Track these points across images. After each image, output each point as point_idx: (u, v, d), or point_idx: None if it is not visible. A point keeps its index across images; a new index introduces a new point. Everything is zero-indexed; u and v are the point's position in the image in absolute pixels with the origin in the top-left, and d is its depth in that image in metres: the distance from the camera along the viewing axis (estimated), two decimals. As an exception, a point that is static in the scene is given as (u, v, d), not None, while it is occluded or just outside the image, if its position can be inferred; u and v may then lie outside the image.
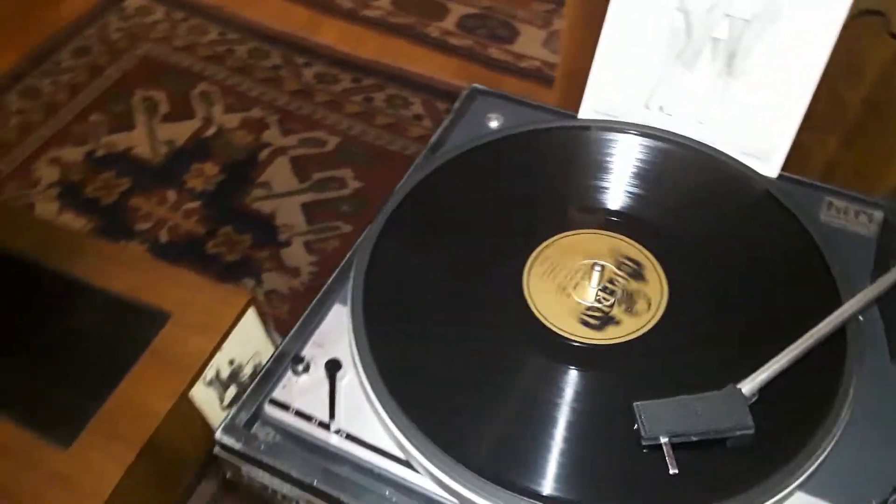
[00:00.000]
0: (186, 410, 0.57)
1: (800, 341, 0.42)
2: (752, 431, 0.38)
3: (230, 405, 0.45)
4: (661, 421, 0.38)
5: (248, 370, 0.64)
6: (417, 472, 0.41)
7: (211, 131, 1.50)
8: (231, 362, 0.62)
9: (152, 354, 0.61)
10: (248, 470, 0.44)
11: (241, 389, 0.46)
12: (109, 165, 1.44)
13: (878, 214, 0.53)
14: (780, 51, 0.53)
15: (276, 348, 0.47)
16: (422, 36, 1.70)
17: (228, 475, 0.47)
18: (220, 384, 0.53)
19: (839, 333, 0.44)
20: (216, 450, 0.44)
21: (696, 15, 0.54)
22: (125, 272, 0.66)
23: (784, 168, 0.55)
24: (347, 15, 1.74)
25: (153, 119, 1.52)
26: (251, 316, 0.63)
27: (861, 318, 0.47)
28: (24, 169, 1.42)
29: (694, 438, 0.38)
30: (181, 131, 1.50)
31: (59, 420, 0.58)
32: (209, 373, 0.60)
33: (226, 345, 0.61)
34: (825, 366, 0.43)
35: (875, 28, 0.70)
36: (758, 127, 0.55)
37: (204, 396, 0.60)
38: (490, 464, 0.40)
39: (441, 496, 0.41)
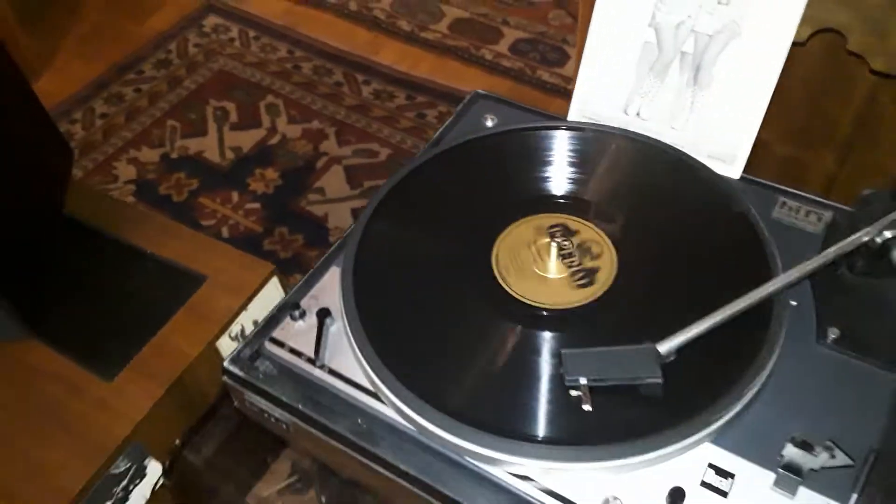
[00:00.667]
0: (212, 358, 0.67)
1: (719, 311, 0.48)
2: (659, 381, 0.44)
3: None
4: (583, 366, 0.45)
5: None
6: (384, 402, 0.49)
7: (275, 140, 1.63)
8: (254, 322, 0.72)
9: (188, 310, 0.72)
10: (249, 396, 0.53)
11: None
12: (181, 167, 1.58)
13: (828, 215, 0.58)
14: (739, 63, 0.59)
15: (282, 300, 0.56)
16: (475, 58, 1.80)
17: (236, 403, 0.56)
18: (243, 339, 0.63)
19: (768, 312, 0.50)
20: (224, 378, 0.54)
21: (666, 31, 0.61)
22: (172, 242, 0.78)
23: (784, 182, 0.61)
24: (406, 37, 1.85)
25: (223, 127, 1.67)
26: (274, 283, 0.73)
27: (794, 302, 0.53)
28: (106, 166, 1.58)
29: (608, 383, 0.44)
30: (247, 139, 1.64)
31: (107, 359, 0.71)
32: (234, 328, 0.70)
33: (250, 306, 0.71)
34: (749, 338, 0.49)
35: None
36: (722, 133, 0.61)
37: (228, 348, 0.70)
38: (442, 397, 0.47)
39: (401, 423, 0.49)
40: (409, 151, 1.56)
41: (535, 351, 0.50)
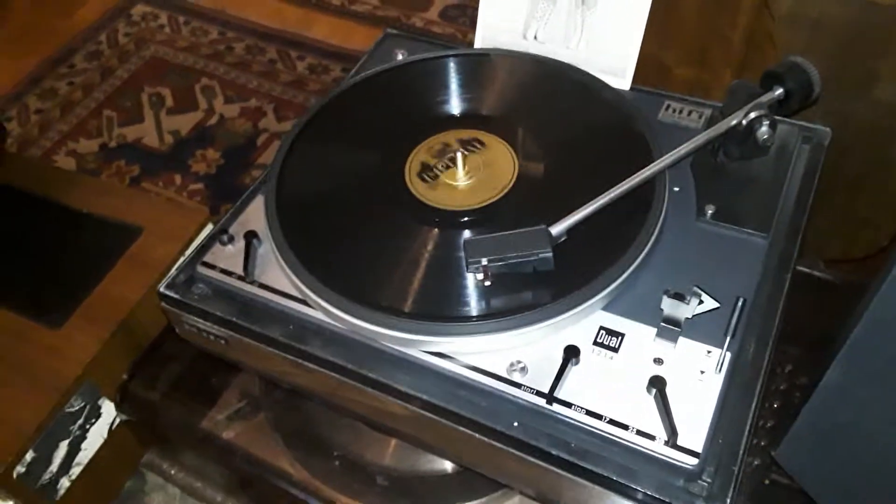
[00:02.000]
0: (153, 302, 0.71)
1: (603, 195, 0.53)
2: (550, 254, 0.49)
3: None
4: (483, 249, 0.50)
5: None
6: (310, 306, 0.54)
7: (213, 121, 1.65)
8: (192, 262, 0.76)
9: (127, 260, 0.77)
10: (186, 318, 0.57)
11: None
12: (121, 155, 1.59)
13: (708, 112, 0.64)
14: (617, -19, 0.64)
15: (212, 229, 0.60)
16: (407, 27, 1.83)
17: (177, 329, 0.60)
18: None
19: (651, 194, 0.55)
20: (161, 304, 0.57)
21: (550, -43, 0.66)
22: (107, 199, 0.82)
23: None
24: (337, 11, 1.88)
25: (160, 112, 1.68)
26: (210, 228, 0.77)
27: (677, 188, 0.59)
28: (45, 161, 1.58)
29: (506, 261, 0.49)
30: (185, 122, 1.65)
31: (53, 309, 0.75)
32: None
33: (188, 251, 0.75)
34: (635, 217, 0.54)
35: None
36: (610, 49, 0.66)
37: (170, 291, 0.74)
38: (360, 293, 0.52)
39: (327, 322, 0.53)
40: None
41: (443, 246, 0.55)
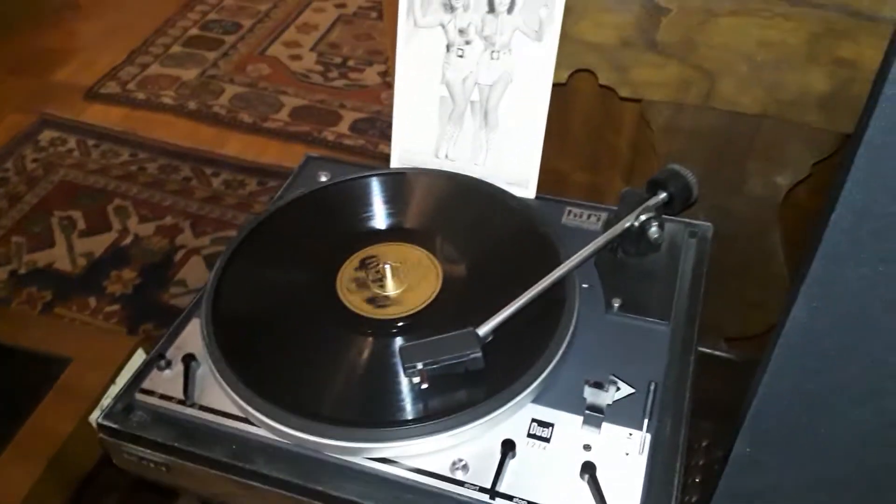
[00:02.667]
0: (87, 433, 0.70)
1: (521, 296, 0.58)
2: (479, 354, 0.54)
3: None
4: (417, 354, 0.54)
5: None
6: (253, 423, 0.55)
7: (127, 241, 1.64)
8: (125, 392, 0.76)
9: (57, 391, 0.75)
10: (126, 447, 0.57)
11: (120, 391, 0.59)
12: (32, 281, 1.55)
13: (605, 215, 0.72)
14: (516, 105, 0.72)
15: (148, 356, 0.61)
16: (319, 140, 1.90)
17: (115, 460, 0.59)
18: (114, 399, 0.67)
19: (564, 293, 0.61)
20: (100, 435, 0.57)
21: (455, 86, 0.73)
22: (31, 331, 0.81)
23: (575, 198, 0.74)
24: (250, 128, 1.94)
25: (71, 235, 1.65)
26: (140, 354, 0.78)
27: (586, 285, 0.65)
28: (-50, 292, 1.52)
29: (440, 364, 0.53)
30: (99, 244, 1.63)
31: None
32: (105, 402, 0.73)
33: (118, 378, 0.75)
34: (552, 315, 0.60)
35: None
36: (513, 163, 0.74)
37: (99, 421, 0.73)
38: (300, 405, 0.54)
39: (270, 438, 0.55)
40: (266, 233, 1.62)
41: (378, 353, 0.58)
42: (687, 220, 0.71)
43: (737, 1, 0.65)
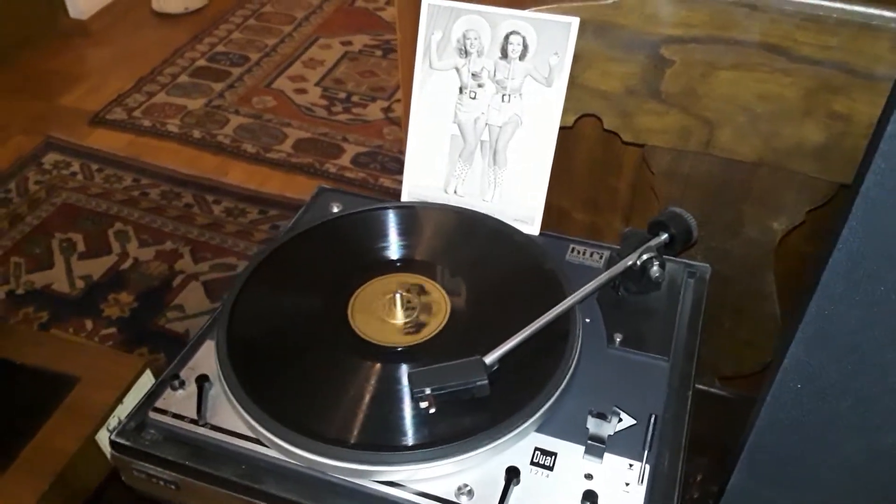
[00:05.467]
0: (92, 452, 0.71)
1: (527, 328, 0.60)
2: (486, 382, 0.55)
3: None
4: (426, 379, 0.55)
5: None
6: (263, 444, 0.57)
7: (126, 264, 1.65)
8: (132, 412, 0.77)
9: (64, 410, 0.76)
10: (136, 465, 0.58)
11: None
12: (29, 301, 1.55)
13: (607, 253, 0.74)
14: (524, 146, 0.75)
15: (161, 375, 0.63)
16: (321, 171, 1.93)
17: (124, 477, 0.60)
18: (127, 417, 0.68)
19: (567, 327, 0.63)
20: (112, 452, 0.58)
21: (467, 126, 0.76)
22: (40, 350, 0.82)
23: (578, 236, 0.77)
24: (253, 158, 1.97)
25: (70, 257, 1.66)
26: (147, 375, 0.79)
27: (588, 319, 0.67)
28: (-51, 310, 1.52)
29: (447, 389, 0.55)
30: (98, 266, 1.64)
31: None
32: (112, 422, 0.74)
33: (126, 399, 0.76)
34: (555, 347, 0.62)
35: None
36: (520, 201, 0.76)
37: (107, 440, 0.74)
38: (310, 428, 0.55)
39: (280, 459, 0.56)
40: (265, 262, 1.64)
41: (387, 379, 0.60)
42: (686, 260, 0.74)
43: (738, 55, 0.69)
